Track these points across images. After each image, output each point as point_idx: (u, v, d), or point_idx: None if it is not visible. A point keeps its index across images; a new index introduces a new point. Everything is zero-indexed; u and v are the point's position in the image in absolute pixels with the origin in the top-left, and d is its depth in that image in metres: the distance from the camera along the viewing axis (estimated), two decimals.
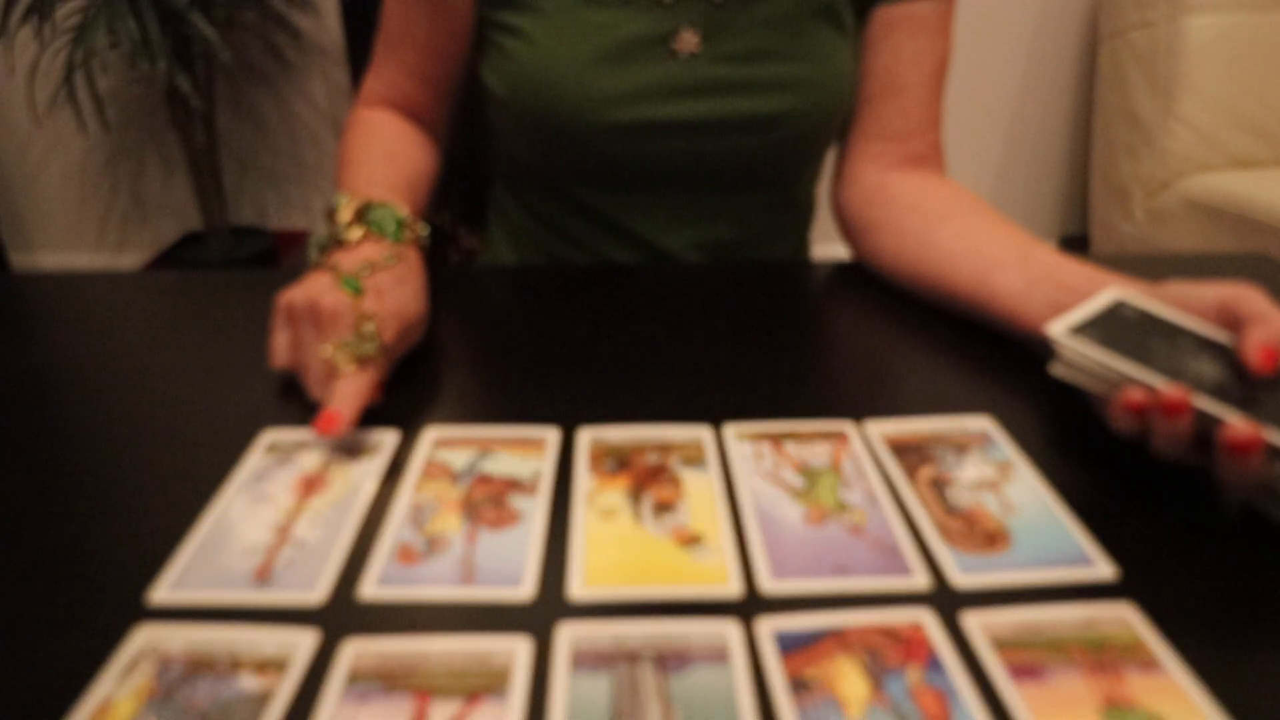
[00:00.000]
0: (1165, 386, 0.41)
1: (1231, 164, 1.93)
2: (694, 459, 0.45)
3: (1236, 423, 0.39)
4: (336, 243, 0.55)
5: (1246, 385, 0.41)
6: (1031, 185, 2.46)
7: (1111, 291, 0.49)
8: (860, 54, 0.71)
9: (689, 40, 0.66)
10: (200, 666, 0.33)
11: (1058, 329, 0.46)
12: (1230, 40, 1.89)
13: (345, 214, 0.56)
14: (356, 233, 0.55)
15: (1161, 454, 0.42)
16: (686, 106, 0.67)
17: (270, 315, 0.50)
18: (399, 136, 0.72)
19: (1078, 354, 0.45)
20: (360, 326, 0.48)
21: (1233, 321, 0.44)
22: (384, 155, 0.68)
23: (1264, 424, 0.39)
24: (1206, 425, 0.40)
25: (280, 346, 0.50)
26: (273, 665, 0.33)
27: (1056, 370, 0.46)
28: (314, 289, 0.49)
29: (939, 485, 0.43)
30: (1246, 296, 0.44)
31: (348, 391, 0.46)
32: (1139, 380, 0.42)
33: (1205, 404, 0.40)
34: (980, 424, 0.48)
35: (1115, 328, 0.46)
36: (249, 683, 0.32)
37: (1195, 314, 0.46)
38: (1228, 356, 0.43)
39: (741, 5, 0.66)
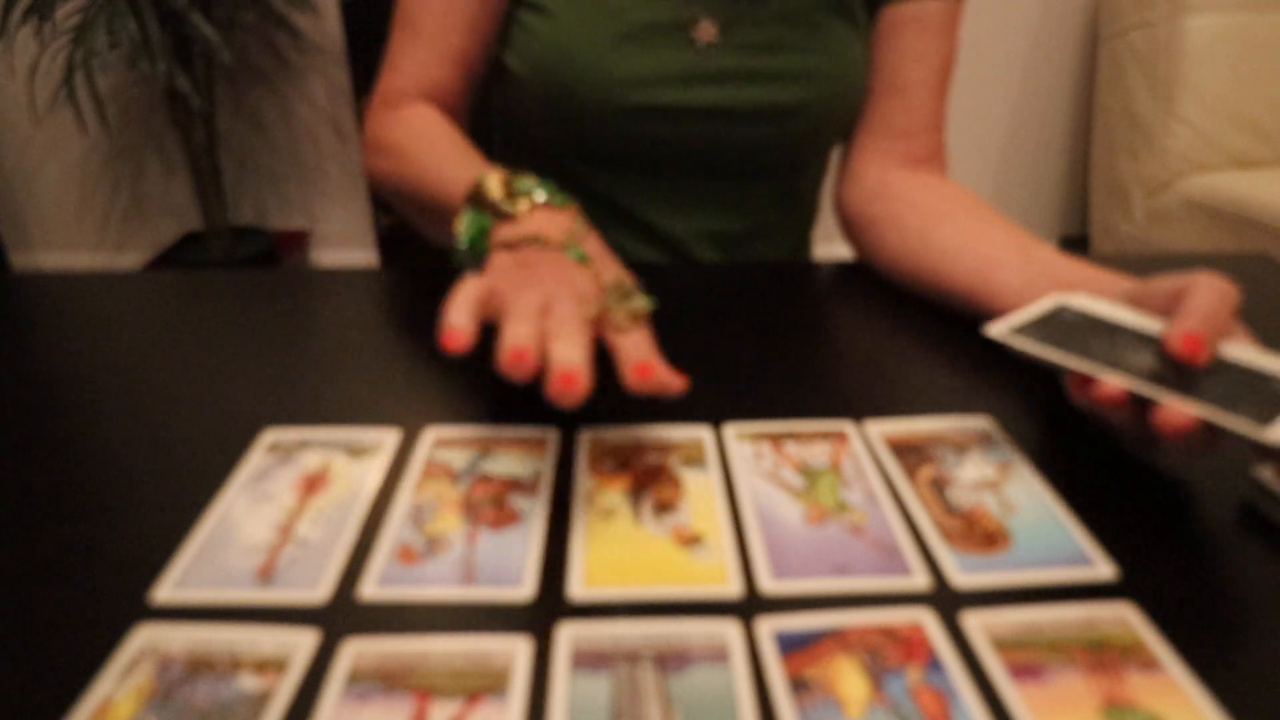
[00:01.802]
0: (1104, 377, 0.41)
1: (1231, 164, 1.93)
2: (694, 459, 0.45)
3: (1169, 404, 0.39)
4: (498, 217, 0.51)
5: (1183, 372, 0.41)
6: (1031, 185, 2.46)
7: (1054, 297, 0.49)
8: (869, 51, 0.72)
9: (708, 30, 0.68)
10: (200, 666, 0.33)
11: (997, 329, 0.46)
12: (1230, 40, 1.89)
13: (497, 189, 0.52)
14: (524, 205, 0.51)
15: (1113, 431, 0.43)
16: (703, 93, 0.68)
17: (435, 311, 0.44)
18: (454, 131, 0.67)
19: (1013, 348, 0.45)
20: (619, 284, 0.44)
21: (1175, 310, 0.44)
22: (458, 148, 0.64)
23: (1203, 403, 0.39)
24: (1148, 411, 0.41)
25: (522, 338, 0.40)
26: (273, 665, 0.33)
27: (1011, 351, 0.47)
28: (554, 272, 0.44)
29: (939, 485, 0.43)
30: (1194, 284, 0.44)
31: (639, 341, 0.41)
32: (1078, 370, 0.43)
33: (1141, 388, 0.40)
34: (980, 424, 0.48)
35: (1055, 328, 0.46)
36: (249, 683, 0.32)
37: (1152, 305, 0.46)
38: (1157, 347, 0.43)
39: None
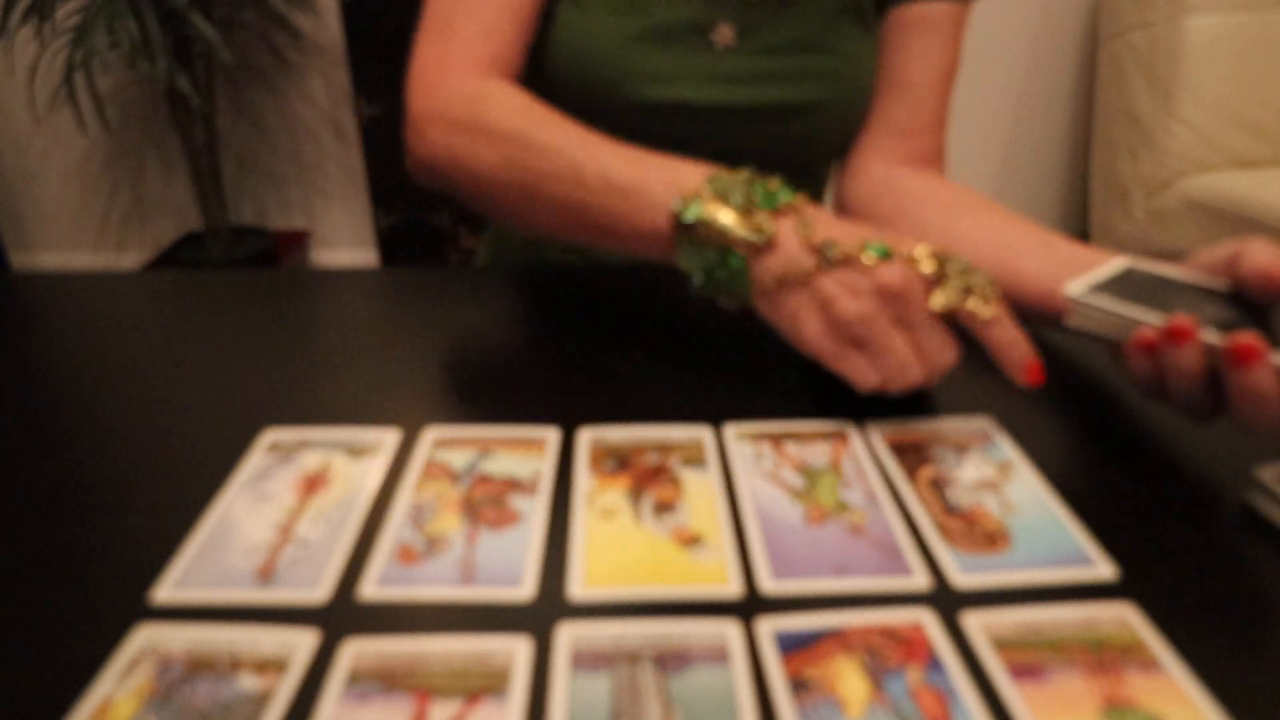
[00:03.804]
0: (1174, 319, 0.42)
1: (1231, 164, 1.93)
2: (694, 459, 0.45)
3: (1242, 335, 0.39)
4: (748, 249, 0.47)
5: (1258, 323, 0.41)
6: (1031, 185, 2.46)
7: (1122, 259, 0.50)
8: (876, 52, 0.73)
9: (726, 33, 0.69)
10: (200, 666, 0.33)
11: (1076, 288, 0.47)
12: (1230, 40, 1.89)
13: (733, 221, 0.47)
14: (768, 227, 0.47)
15: (1178, 399, 0.43)
16: (720, 92, 0.69)
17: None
18: (577, 123, 0.59)
19: (1095, 309, 0.46)
20: (950, 266, 0.45)
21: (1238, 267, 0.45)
22: (609, 145, 0.56)
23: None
24: (1217, 362, 0.41)
25: (862, 368, 0.46)
26: (273, 665, 0.33)
27: (1071, 322, 0.47)
28: (859, 284, 0.45)
29: (939, 485, 0.43)
30: (1248, 244, 0.45)
31: (1011, 330, 0.45)
32: (1151, 323, 0.43)
33: (1212, 336, 0.41)
34: (980, 424, 0.48)
35: (1129, 286, 0.47)
36: (249, 683, 0.32)
37: (1210, 271, 0.47)
38: (1238, 300, 0.44)
39: (777, 5, 0.69)
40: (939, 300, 0.45)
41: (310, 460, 0.45)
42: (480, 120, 0.58)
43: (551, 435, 0.47)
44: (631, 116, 0.69)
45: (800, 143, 0.73)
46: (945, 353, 0.45)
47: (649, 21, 0.68)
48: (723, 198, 0.48)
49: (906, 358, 0.45)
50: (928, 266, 0.46)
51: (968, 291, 0.45)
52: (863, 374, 0.45)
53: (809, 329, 0.46)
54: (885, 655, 0.33)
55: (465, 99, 0.60)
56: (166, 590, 0.37)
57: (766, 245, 0.47)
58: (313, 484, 0.43)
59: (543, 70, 0.71)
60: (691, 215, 0.47)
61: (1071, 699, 0.32)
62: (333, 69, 2.31)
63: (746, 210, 0.47)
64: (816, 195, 0.82)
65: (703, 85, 0.69)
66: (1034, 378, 0.45)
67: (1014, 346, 0.45)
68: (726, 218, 0.47)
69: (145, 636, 0.34)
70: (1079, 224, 2.45)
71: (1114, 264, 0.50)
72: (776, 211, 0.47)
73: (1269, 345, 0.39)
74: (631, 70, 0.68)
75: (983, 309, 0.45)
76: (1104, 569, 0.38)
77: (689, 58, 0.69)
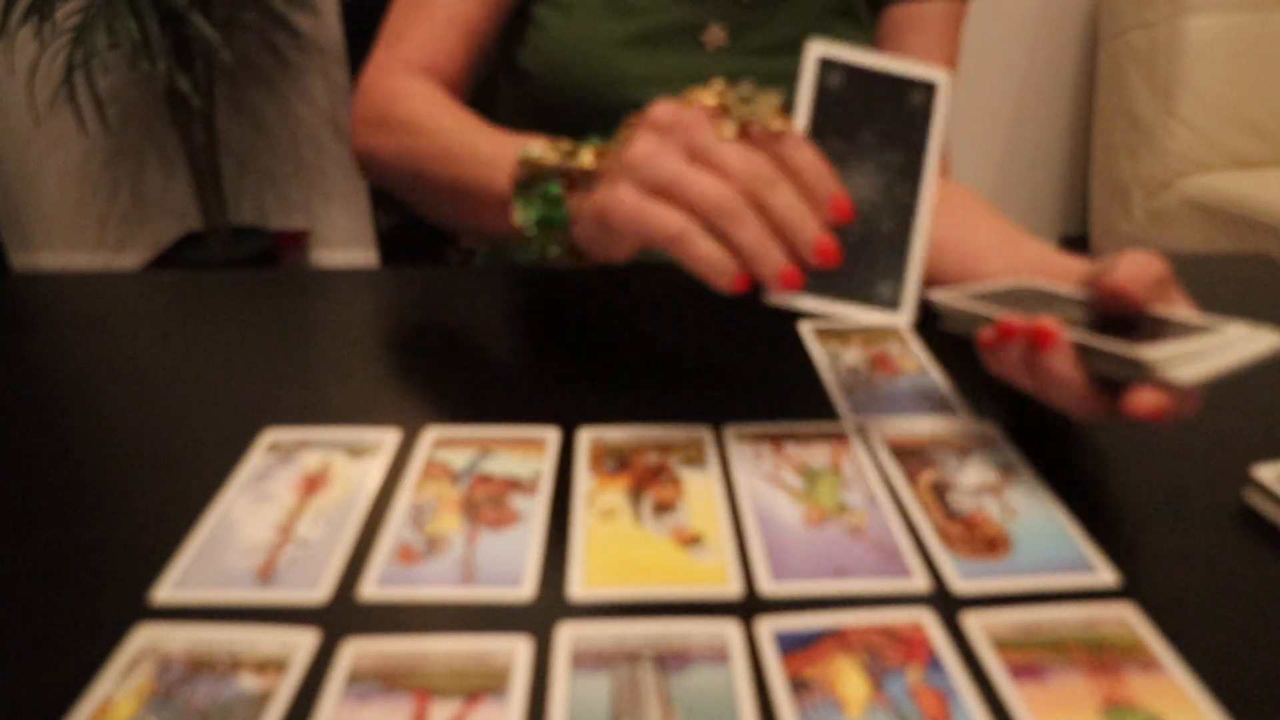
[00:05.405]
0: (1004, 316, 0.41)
1: (1231, 164, 1.93)
2: (694, 459, 0.45)
3: (1010, 317, 0.39)
4: (569, 180, 0.47)
5: (1097, 324, 0.41)
6: (1031, 185, 2.46)
7: (1016, 277, 0.49)
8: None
9: (717, 35, 0.69)
10: (200, 666, 0.33)
11: (940, 294, 0.46)
12: (1230, 40, 1.89)
13: (551, 153, 0.48)
14: (587, 155, 0.47)
15: (1007, 378, 0.43)
16: None
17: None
18: (463, 108, 0.62)
19: (947, 306, 0.45)
20: (730, 95, 0.43)
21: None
22: (476, 124, 0.58)
23: (1086, 333, 0.39)
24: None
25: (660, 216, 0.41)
26: (273, 665, 0.33)
27: (944, 326, 0.46)
28: (633, 132, 0.44)
29: (940, 490, 0.43)
30: (1121, 259, 0.43)
31: (809, 153, 0.42)
32: (989, 317, 0.42)
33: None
34: (982, 429, 0.48)
35: (995, 296, 0.46)
36: (249, 683, 0.32)
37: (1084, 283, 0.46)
38: (1101, 312, 0.43)
39: (768, 6, 0.68)
40: (728, 129, 0.42)
41: (310, 460, 0.45)
42: (386, 114, 0.61)
43: (551, 435, 0.47)
44: (620, 118, 0.69)
45: None
46: (754, 162, 0.41)
47: (638, 24, 0.67)
48: (553, 146, 0.48)
49: (707, 185, 0.41)
50: (709, 100, 0.44)
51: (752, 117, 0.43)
52: (667, 220, 0.41)
53: (610, 204, 0.43)
54: (885, 655, 0.33)
55: (382, 97, 0.63)
56: (166, 590, 0.37)
57: (582, 176, 0.46)
58: (313, 484, 0.43)
59: (526, 74, 0.71)
60: (522, 155, 0.48)
61: (1071, 699, 0.32)
62: (333, 69, 2.31)
63: (568, 153, 0.47)
64: None
65: (691, 87, 0.68)
66: (842, 214, 0.42)
67: (813, 170, 0.42)
68: (548, 153, 0.47)
69: (145, 636, 0.34)
70: (1079, 224, 2.45)
71: (1004, 280, 0.49)
72: (597, 153, 0.47)
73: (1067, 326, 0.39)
74: (622, 73, 0.67)
75: (772, 121, 0.42)
76: (1106, 575, 0.38)
77: (680, 60, 0.68)
